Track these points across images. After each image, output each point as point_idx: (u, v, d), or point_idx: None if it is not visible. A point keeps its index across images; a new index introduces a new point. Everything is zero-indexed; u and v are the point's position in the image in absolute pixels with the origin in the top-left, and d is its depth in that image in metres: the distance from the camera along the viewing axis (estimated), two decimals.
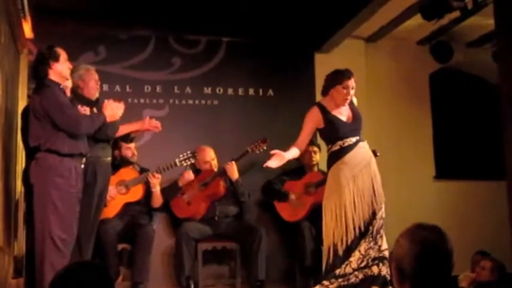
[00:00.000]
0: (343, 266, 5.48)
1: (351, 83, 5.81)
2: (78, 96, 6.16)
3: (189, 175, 7.29)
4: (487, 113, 8.79)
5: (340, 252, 5.51)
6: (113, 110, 5.76)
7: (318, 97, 7.35)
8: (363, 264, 5.50)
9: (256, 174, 7.72)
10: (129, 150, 7.12)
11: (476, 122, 9.15)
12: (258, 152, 7.38)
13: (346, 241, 5.52)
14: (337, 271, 5.47)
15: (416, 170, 8.71)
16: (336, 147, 5.72)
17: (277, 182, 7.53)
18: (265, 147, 7.32)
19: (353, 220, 5.55)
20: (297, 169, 7.56)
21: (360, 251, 5.53)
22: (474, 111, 9.17)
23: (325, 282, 5.46)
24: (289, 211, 7.40)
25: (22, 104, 6.47)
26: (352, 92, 5.82)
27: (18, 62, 6.65)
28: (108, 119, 5.70)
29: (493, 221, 8.43)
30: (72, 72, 6.06)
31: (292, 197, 7.38)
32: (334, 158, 5.71)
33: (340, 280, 5.43)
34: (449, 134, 9.07)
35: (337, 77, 5.83)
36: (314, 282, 5.96)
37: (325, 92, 5.88)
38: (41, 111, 5.29)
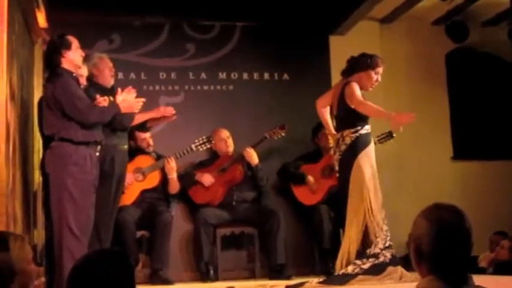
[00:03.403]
0: (372, 246, 5.60)
1: (381, 70, 5.83)
2: (93, 84, 6.18)
3: (209, 179, 7.30)
4: (505, 92, 8.73)
5: (374, 233, 5.62)
6: (130, 103, 5.71)
7: (334, 79, 7.36)
8: (387, 244, 5.67)
9: (274, 160, 7.74)
10: (144, 141, 7.12)
11: (494, 102, 9.08)
12: (276, 138, 7.39)
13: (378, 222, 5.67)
14: (368, 251, 5.59)
15: (434, 151, 8.68)
16: (364, 131, 5.75)
17: (293, 166, 7.52)
18: (283, 134, 7.35)
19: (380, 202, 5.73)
20: (312, 153, 7.56)
21: (382, 232, 5.67)
22: (491, 90, 9.10)
23: (358, 262, 5.56)
24: (307, 195, 7.40)
25: (38, 94, 6.48)
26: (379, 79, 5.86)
27: (33, 52, 6.65)
28: (123, 110, 5.67)
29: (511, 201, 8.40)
30: (86, 60, 6.07)
31: (310, 178, 7.36)
32: (365, 141, 5.75)
33: (371, 260, 5.55)
34: (467, 114, 9.02)
35: (372, 61, 5.85)
36: (333, 265, 5.97)
37: (351, 72, 5.86)
38: (53, 100, 5.30)
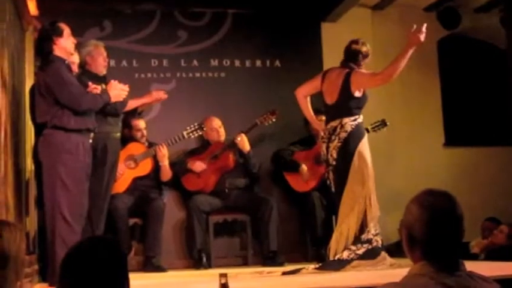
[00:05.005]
0: (366, 232, 5.70)
1: None
2: (86, 72, 6.18)
3: (201, 166, 7.30)
4: (496, 79, 8.74)
5: (371, 219, 5.74)
6: (117, 92, 5.74)
7: (326, 66, 7.36)
8: (378, 231, 5.79)
9: (265, 146, 7.75)
10: (139, 132, 7.13)
11: (485, 88, 9.10)
12: (267, 124, 7.39)
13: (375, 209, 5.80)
14: (362, 237, 5.69)
15: (426, 138, 8.68)
16: (361, 119, 5.88)
17: (287, 152, 7.53)
18: (274, 119, 7.35)
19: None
20: (305, 139, 7.57)
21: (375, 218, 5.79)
22: (483, 77, 9.11)
23: (353, 247, 5.66)
24: (300, 182, 7.41)
25: (29, 81, 6.46)
26: None
27: (24, 39, 6.62)
28: (113, 99, 5.69)
29: (503, 187, 8.42)
30: (81, 47, 6.09)
31: (304, 168, 7.37)
32: (363, 129, 5.93)
33: (365, 245, 5.67)
34: (458, 101, 9.03)
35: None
36: (325, 251, 6.00)
37: (355, 63, 5.94)
38: (45, 88, 5.30)
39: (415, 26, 5.68)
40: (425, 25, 5.67)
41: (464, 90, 9.08)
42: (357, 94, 5.83)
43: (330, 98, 5.95)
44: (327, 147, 5.89)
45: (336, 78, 5.94)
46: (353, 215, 5.69)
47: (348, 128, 5.76)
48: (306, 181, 7.36)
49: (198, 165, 7.30)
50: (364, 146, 5.79)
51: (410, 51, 5.71)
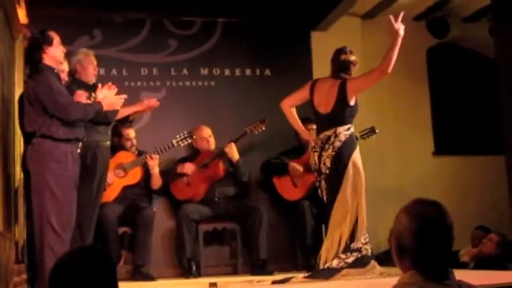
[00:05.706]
0: (355, 240, 5.67)
1: None
2: (75, 80, 6.17)
3: (190, 168, 7.29)
4: (485, 88, 8.78)
5: (361, 228, 5.72)
6: (112, 100, 5.71)
7: (316, 75, 7.37)
8: (367, 240, 5.75)
9: (255, 155, 7.76)
10: (129, 141, 7.13)
11: (474, 97, 9.14)
12: (256, 132, 7.39)
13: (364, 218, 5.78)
14: (352, 245, 5.66)
15: (415, 146, 8.71)
16: (353, 129, 5.87)
17: (276, 160, 7.55)
18: (263, 128, 7.35)
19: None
20: (295, 148, 7.57)
21: (364, 227, 5.76)
22: (472, 86, 9.15)
23: (342, 256, 5.63)
24: (289, 190, 7.41)
25: (19, 90, 6.45)
26: None
27: (13, 48, 6.61)
28: (105, 108, 5.66)
29: (492, 196, 8.43)
30: (71, 56, 6.07)
31: (293, 164, 7.38)
32: (355, 139, 5.93)
33: (354, 254, 5.63)
34: (448, 110, 9.07)
35: None
36: (315, 260, 6.00)
37: (347, 73, 5.93)
38: (34, 97, 5.29)
39: (390, 16, 5.74)
40: (401, 14, 5.71)
41: (453, 99, 9.12)
42: (352, 103, 5.83)
43: (324, 108, 5.90)
44: (320, 156, 5.87)
45: (329, 89, 5.90)
46: (345, 223, 5.68)
47: (342, 138, 5.75)
48: (298, 184, 7.37)
49: (188, 167, 7.30)
50: (357, 156, 5.78)
51: (399, 40, 5.73)
